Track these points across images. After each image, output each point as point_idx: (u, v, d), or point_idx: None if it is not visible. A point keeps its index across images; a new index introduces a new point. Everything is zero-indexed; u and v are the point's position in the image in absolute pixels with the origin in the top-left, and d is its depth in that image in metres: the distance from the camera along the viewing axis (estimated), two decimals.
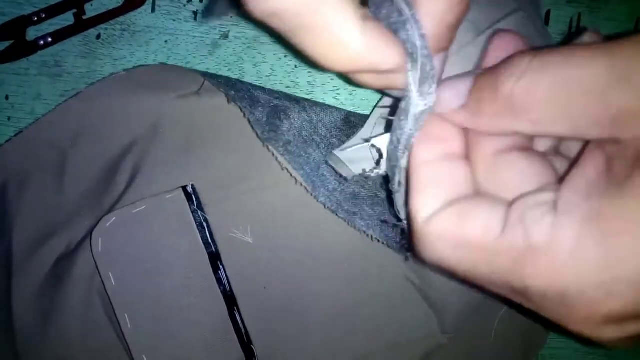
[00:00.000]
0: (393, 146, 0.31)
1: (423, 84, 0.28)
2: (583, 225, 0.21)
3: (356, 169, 0.39)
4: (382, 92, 0.37)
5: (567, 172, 0.24)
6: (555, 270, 0.21)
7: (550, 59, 0.22)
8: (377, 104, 0.43)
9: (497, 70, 0.24)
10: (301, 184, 0.38)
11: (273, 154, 0.38)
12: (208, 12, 0.45)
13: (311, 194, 0.37)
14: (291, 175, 0.38)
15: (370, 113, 0.42)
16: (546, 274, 0.22)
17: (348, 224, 0.38)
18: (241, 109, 0.39)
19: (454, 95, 0.26)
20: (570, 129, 0.22)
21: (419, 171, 0.27)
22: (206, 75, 0.43)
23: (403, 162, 0.31)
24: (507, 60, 0.24)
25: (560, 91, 0.22)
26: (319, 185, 0.38)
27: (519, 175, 0.25)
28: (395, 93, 0.32)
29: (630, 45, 0.21)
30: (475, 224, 0.24)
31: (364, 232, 0.38)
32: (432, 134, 0.27)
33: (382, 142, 0.33)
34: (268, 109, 0.40)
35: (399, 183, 0.31)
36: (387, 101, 0.41)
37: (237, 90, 0.41)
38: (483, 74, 0.25)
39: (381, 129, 0.40)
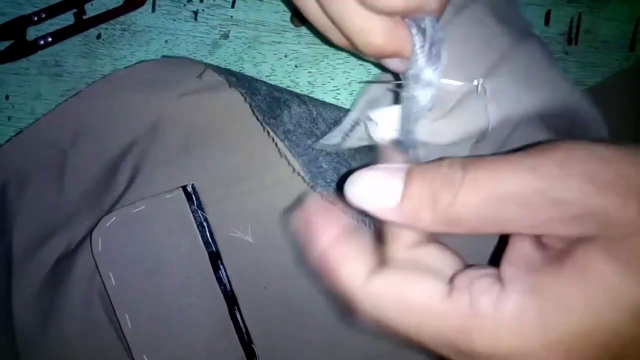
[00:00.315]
0: (406, 118, 0.31)
1: (430, 50, 0.28)
2: (527, 296, 0.24)
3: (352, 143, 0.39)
4: (382, 68, 0.37)
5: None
6: (501, 336, 0.24)
7: (481, 174, 0.24)
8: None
9: (432, 180, 0.25)
10: (298, 173, 0.37)
11: (273, 140, 0.37)
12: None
13: (308, 184, 0.37)
14: (289, 163, 0.37)
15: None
16: (493, 339, 0.24)
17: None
18: (242, 94, 0.39)
19: (387, 196, 0.26)
20: (503, 231, 0.25)
21: (336, 249, 0.28)
22: (208, 65, 0.42)
23: (419, 131, 0.31)
24: (437, 169, 0.25)
25: (493, 203, 0.24)
26: (317, 176, 0.38)
27: (435, 263, 0.27)
28: (394, 65, 0.32)
29: (548, 160, 0.24)
30: (418, 288, 0.26)
31: (361, 221, 0.38)
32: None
33: (381, 116, 0.33)
34: (268, 99, 0.40)
35: (417, 155, 0.31)
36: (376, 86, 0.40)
37: (238, 79, 0.41)
38: (415, 175, 0.26)
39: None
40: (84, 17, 0.45)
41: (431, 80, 0.30)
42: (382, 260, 0.27)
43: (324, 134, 0.41)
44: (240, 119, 0.41)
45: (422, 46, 0.30)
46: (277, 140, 0.37)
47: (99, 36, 0.46)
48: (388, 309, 0.26)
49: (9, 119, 0.46)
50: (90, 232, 0.41)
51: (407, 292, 0.26)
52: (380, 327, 0.27)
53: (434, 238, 0.28)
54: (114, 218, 0.41)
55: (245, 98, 0.38)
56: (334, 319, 0.42)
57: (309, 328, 0.42)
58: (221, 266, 0.41)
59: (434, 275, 0.26)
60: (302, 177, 0.37)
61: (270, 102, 0.40)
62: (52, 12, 0.45)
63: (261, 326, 0.42)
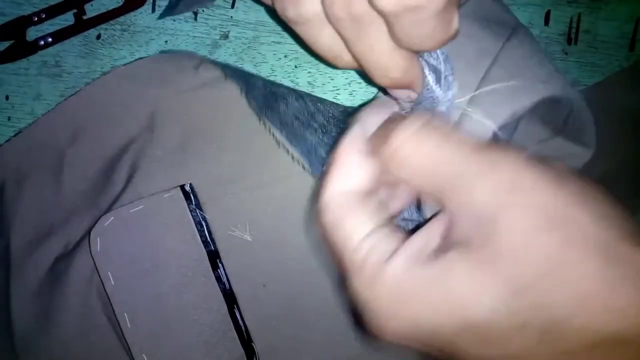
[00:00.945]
0: None
1: (444, 82, 0.29)
2: (398, 275, 0.26)
3: None
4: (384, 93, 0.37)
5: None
6: (370, 288, 0.27)
7: (433, 136, 0.27)
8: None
9: (393, 124, 0.28)
10: (298, 162, 0.37)
11: (269, 130, 0.38)
12: (170, 9, 0.45)
13: (307, 171, 0.37)
14: (288, 151, 0.37)
15: None
16: (363, 286, 0.27)
17: None
18: (238, 85, 0.39)
19: (370, 123, 0.30)
20: (430, 192, 0.28)
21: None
22: (205, 58, 0.42)
23: None
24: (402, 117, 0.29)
25: (430, 163, 0.27)
26: (317, 163, 0.38)
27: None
28: (400, 94, 0.33)
29: (500, 155, 0.26)
30: (354, 219, 0.28)
31: None
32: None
33: None
34: (265, 93, 0.40)
35: None
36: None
37: (235, 73, 0.41)
38: (392, 120, 0.29)
39: None
40: (84, 17, 0.45)
41: (447, 110, 0.31)
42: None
43: (322, 126, 0.41)
44: (238, 117, 0.41)
45: (437, 80, 0.30)
46: (273, 129, 0.37)
47: (98, 36, 0.46)
48: (327, 221, 0.29)
49: (8, 119, 0.46)
50: (88, 232, 0.41)
51: (349, 210, 0.28)
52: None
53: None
54: (112, 218, 0.41)
55: (241, 89, 0.38)
56: (334, 317, 0.42)
57: (309, 326, 0.42)
58: (220, 265, 0.41)
59: (373, 215, 0.28)
60: (302, 165, 0.37)
61: (267, 96, 0.40)
62: (52, 12, 0.45)
63: (261, 325, 0.41)
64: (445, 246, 0.26)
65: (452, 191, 0.26)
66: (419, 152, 0.27)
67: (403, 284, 0.26)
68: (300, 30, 0.31)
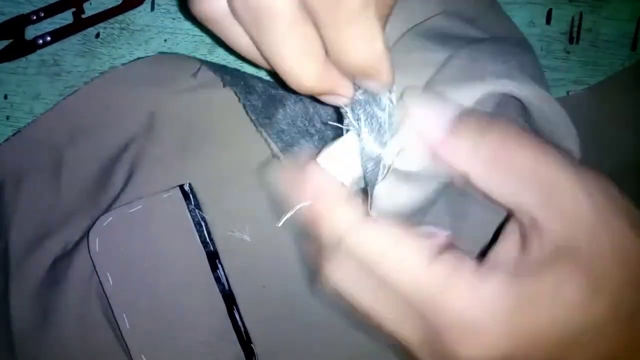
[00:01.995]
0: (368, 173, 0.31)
1: (378, 134, 0.29)
2: (506, 288, 0.24)
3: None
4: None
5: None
6: (471, 310, 0.24)
7: (487, 133, 0.26)
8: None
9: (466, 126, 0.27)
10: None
11: (266, 141, 0.38)
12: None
13: None
14: (283, 164, 0.37)
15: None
16: (461, 308, 0.25)
17: None
18: (236, 94, 0.39)
19: (439, 125, 0.27)
20: (502, 195, 0.26)
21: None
22: (203, 61, 0.42)
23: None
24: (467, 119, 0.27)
25: (529, 168, 0.25)
26: None
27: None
28: (328, 100, 0.31)
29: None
30: (408, 243, 0.26)
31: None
32: None
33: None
34: (264, 97, 0.40)
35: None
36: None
37: (233, 77, 0.41)
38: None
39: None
40: (83, 16, 0.45)
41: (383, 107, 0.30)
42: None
43: (318, 131, 0.41)
44: (237, 117, 0.41)
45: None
46: (269, 141, 0.37)
47: (97, 35, 0.46)
48: (371, 256, 0.26)
49: (7, 118, 0.46)
50: (87, 232, 0.41)
51: (396, 242, 0.26)
52: (345, 292, 0.27)
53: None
54: (111, 218, 0.41)
55: (239, 98, 0.38)
56: (334, 317, 0.41)
57: (309, 327, 0.42)
58: (219, 265, 0.41)
59: (422, 240, 0.26)
60: None
61: (265, 101, 0.40)
62: (50, 11, 0.45)
63: (260, 325, 0.41)
64: (539, 257, 0.25)
65: (548, 198, 0.25)
66: (520, 155, 0.26)
67: (506, 300, 0.24)
68: (212, 29, 0.28)
